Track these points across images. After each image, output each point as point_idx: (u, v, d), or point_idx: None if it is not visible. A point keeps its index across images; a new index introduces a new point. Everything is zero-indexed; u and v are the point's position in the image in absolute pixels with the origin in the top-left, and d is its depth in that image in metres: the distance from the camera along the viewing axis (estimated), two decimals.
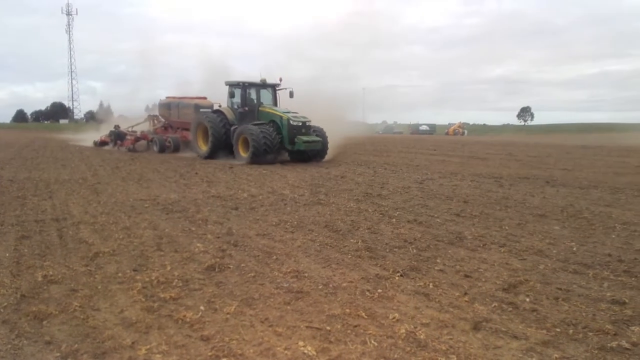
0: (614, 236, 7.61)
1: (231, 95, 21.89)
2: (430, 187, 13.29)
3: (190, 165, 19.37)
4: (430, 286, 5.39)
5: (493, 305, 4.80)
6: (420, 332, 4.15)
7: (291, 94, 21.89)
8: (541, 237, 7.55)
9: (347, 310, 4.63)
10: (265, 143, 19.61)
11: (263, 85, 22.57)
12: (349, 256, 6.60)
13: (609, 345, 3.91)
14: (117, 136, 28.88)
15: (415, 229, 8.26)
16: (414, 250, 6.86)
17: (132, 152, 26.40)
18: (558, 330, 4.22)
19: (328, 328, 4.25)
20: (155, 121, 29.42)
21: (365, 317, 4.50)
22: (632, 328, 4.22)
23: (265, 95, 22.74)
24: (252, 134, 19.78)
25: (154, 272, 5.76)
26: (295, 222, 8.71)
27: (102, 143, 30.55)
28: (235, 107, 22.20)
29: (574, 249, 6.88)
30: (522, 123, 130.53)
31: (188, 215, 9.27)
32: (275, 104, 22.59)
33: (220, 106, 23.08)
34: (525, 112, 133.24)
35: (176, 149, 25.34)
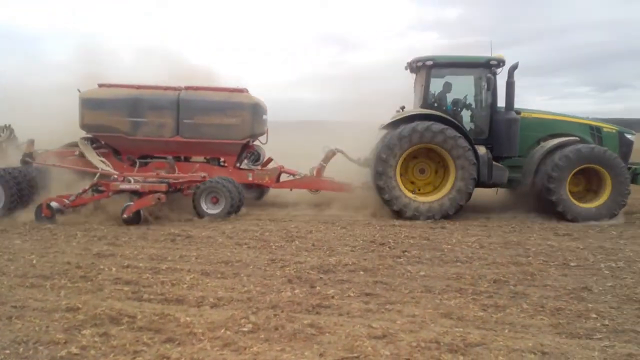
0: (74, 243, 7.84)
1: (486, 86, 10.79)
2: None
3: None
4: None
5: None
6: None
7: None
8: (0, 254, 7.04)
9: None
10: None
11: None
12: None
13: (59, 354, 3.94)
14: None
15: None
16: None
17: (130, 223, 9.39)
18: (8, 352, 3.98)
19: None
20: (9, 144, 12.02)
21: None
22: (83, 332, 4.39)
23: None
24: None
25: None
26: None
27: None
28: (456, 109, 11.36)
29: (34, 261, 6.70)
30: None
31: None
32: None
33: (403, 108, 11.82)
34: None
35: (237, 207, 10.65)
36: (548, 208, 10.46)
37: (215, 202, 10.39)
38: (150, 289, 5.67)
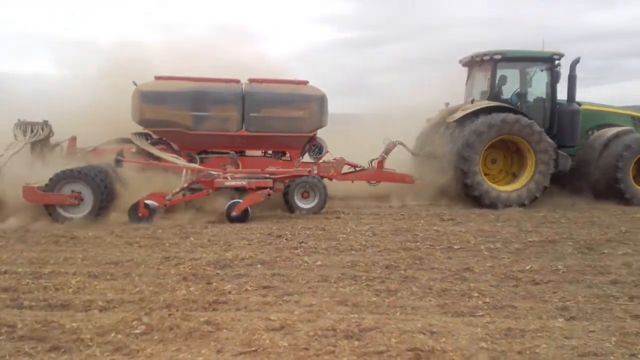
0: None
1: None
2: None
3: None
4: None
5: None
6: None
7: None
8: None
9: None
10: None
11: None
12: None
13: None
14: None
15: None
16: None
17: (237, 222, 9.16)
18: None
19: None
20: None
21: None
22: None
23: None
24: None
25: None
26: None
27: None
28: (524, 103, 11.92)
29: None
30: None
31: None
32: None
33: (473, 101, 11.81)
34: None
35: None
36: (613, 195, 11.18)
37: (307, 197, 10.26)
38: (31, 295, 5.26)
